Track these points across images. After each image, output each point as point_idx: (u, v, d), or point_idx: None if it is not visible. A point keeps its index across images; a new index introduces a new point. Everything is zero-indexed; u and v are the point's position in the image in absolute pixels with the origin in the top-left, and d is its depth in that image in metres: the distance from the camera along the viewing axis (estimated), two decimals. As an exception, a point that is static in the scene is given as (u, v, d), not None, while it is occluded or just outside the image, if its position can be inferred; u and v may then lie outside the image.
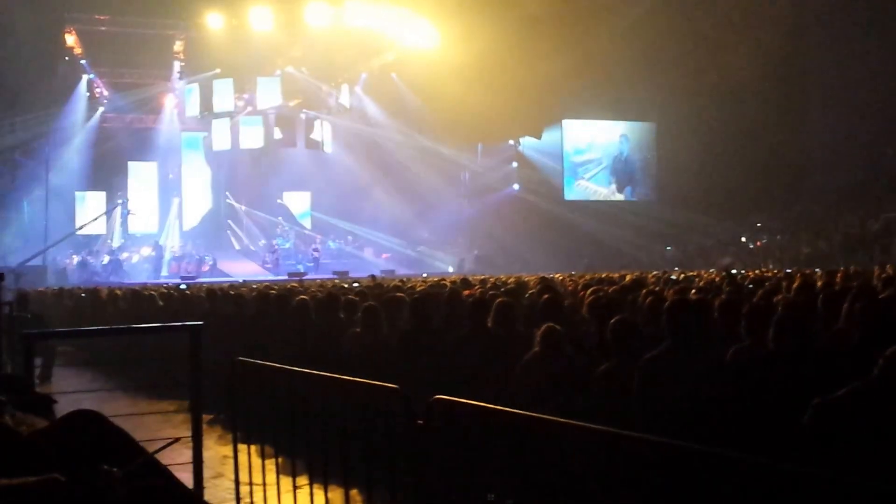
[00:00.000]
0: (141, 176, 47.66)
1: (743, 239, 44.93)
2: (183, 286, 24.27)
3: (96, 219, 42.00)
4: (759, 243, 43.54)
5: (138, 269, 43.06)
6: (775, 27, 41.98)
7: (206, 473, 6.81)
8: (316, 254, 44.89)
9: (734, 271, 19.96)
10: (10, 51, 36.07)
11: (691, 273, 19.82)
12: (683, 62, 43.90)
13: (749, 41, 41.70)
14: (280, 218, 48.63)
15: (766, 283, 12.20)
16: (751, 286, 12.00)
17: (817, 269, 19.07)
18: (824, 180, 46.24)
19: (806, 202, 46.02)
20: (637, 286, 12.00)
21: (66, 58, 41.31)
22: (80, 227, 39.87)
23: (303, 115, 46.73)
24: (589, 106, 49.27)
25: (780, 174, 46.63)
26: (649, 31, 42.53)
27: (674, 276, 17.57)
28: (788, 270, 21.18)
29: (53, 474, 3.29)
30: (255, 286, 21.21)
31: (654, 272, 21.92)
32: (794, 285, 10.61)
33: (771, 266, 33.30)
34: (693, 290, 10.92)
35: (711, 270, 23.85)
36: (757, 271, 21.15)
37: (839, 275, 13.84)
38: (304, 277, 34.27)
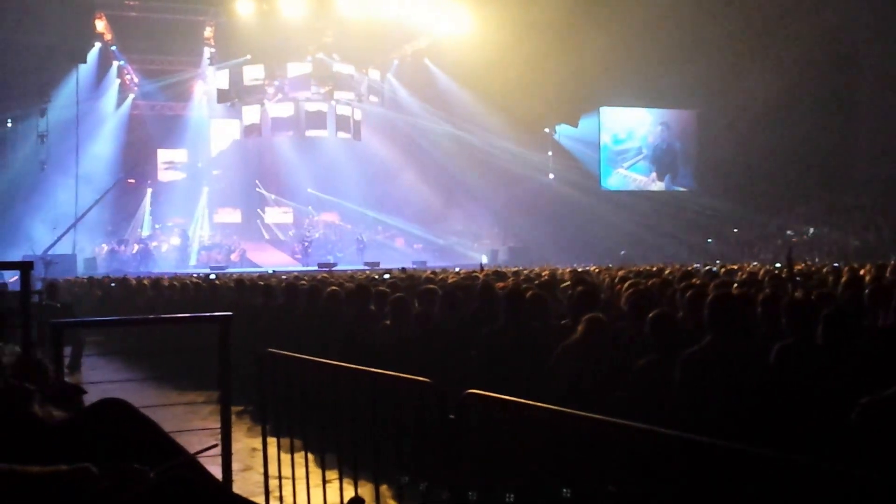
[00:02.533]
0: (170, 163, 47.76)
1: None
2: (212, 276, 24.27)
3: (101, 198, 41.75)
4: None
5: (167, 258, 43.18)
6: (823, 12, 41.39)
7: (235, 466, 6.79)
8: (360, 244, 44.96)
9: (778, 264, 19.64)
10: (41, 37, 36.20)
11: (733, 266, 19.54)
12: (726, 49, 43.42)
13: (796, 27, 41.17)
14: (310, 207, 48.68)
15: (813, 278, 12.03)
16: (798, 279, 11.83)
17: (867, 264, 18.68)
18: (873, 171, 45.33)
19: (854, 193, 45.21)
20: (676, 280, 11.85)
21: (97, 44, 41.36)
22: (90, 208, 39.73)
23: (334, 103, 46.65)
24: (627, 93, 48.67)
25: (828, 164, 45.85)
26: (690, 15, 42.03)
27: (714, 269, 17.35)
28: (836, 264, 20.85)
29: (86, 464, 3.21)
30: (284, 276, 21.21)
31: (695, 265, 21.70)
32: (842, 280, 10.41)
33: (818, 259, 32.90)
34: (735, 285, 10.71)
35: (755, 263, 23.60)
36: (803, 265, 20.78)
37: (889, 268, 13.58)
38: (335, 268, 34.28)
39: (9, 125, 40.10)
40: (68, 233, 37.91)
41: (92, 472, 3.22)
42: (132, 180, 45.42)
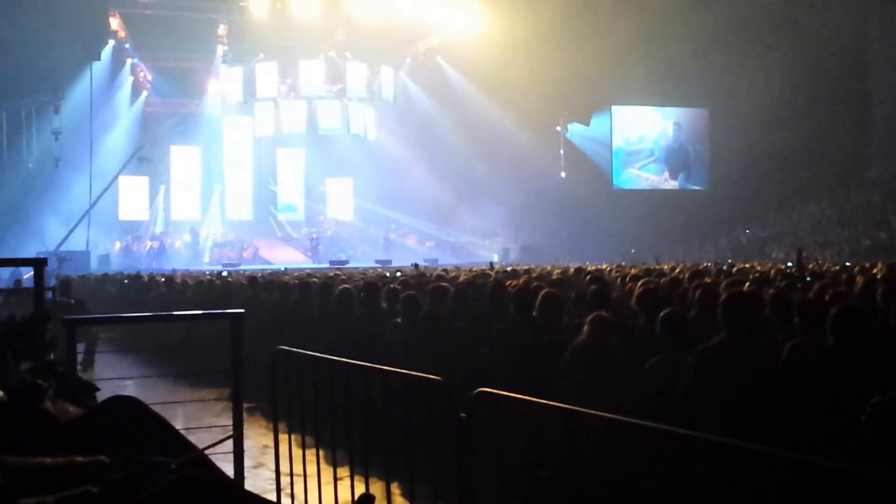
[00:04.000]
0: (184, 160, 47.83)
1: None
2: (225, 273, 24.34)
3: (114, 179, 41.55)
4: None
5: (180, 255, 43.33)
6: (836, 11, 41.29)
7: (247, 463, 6.79)
8: (387, 243, 45.34)
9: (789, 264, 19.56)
10: (55, 34, 36.32)
11: (745, 265, 19.54)
12: (737, 47, 43.34)
13: (808, 25, 41.08)
14: (321, 205, 48.77)
15: (826, 277, 12.01)
16: (808, 278, 11.82)
17: (878, 263, 18.66)
18: (885, 170, 45.33)
19: (866, 192, 45.19)
20: (688, 278, 11.85)
21: (111, 41, 41.49)
22: (98, 198, 39.60)
23: (346, 101, 46.69)
24: (639, 92, 48.53)
25: (839, 163, 45.84)
26: (701, 15, 41.95)
27: (725, 268, 17.34)
28: (847, 263, 20.84)
29: (100, 457, 3.24)
30: (296, 274, 21.25)
31: (706, 264, 21.68)
32: (856, 280, 10.40)
33: (829, 257, 32.83)
34: (747, 283, 10.71)
35: (767, 263, 23.57)
36: (813, 264, 20.76)
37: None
38: (346, 265, 34.34)
39: (23, 122, 40.19)
40: (83, 230, 37.98)
41: (106, 464, 3.25)
42: (146, 176, 45.25)
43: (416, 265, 22.81)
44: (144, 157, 43.07)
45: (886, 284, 8.43)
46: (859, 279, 10.35)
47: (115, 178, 41.72)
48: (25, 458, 3.22)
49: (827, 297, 7.74)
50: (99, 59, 40.34)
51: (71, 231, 37.40)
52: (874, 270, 13.65)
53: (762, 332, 6.28)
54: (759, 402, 5.39)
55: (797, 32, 41.36)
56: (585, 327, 7.09)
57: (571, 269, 18.37)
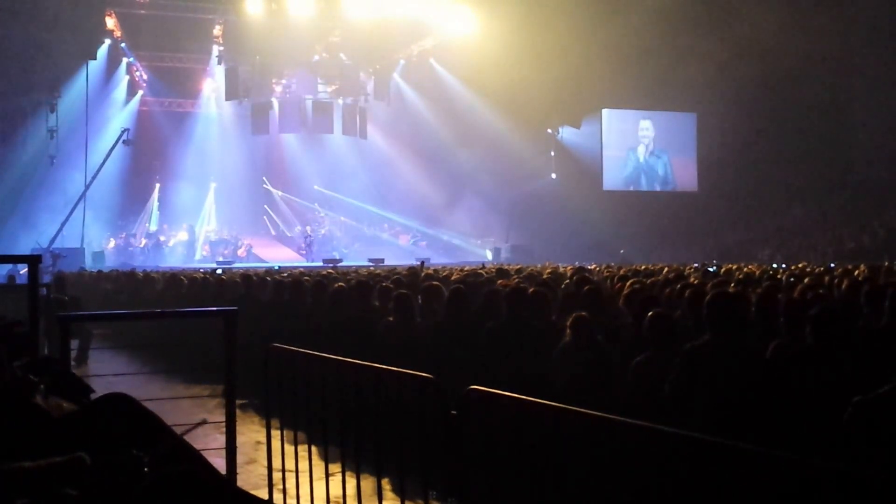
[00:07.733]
0: (178, 159, 47.72)
1: None
2: (219, 271, 24.36)
3: (101, 165, 41.23)
4: None
5: (175, 252, 43.31)
6: (821, 17, 41.36)
7: (240, 459, 6.84)
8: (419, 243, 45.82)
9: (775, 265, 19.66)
10: (52, 34, 36.30)
11: (731, 266, 19.62)
12: (726, 52, 43.39)
13: (794, 32, 41.14)
14: (316, 204, 48.76)
15: (807, 279, 12.08)
16: (791, 279, 11.87)
17: (861, 265, 18.73)
18: (868, 174, 45.54)
19: (850, 196, 45.35)
20: (675, 279, 11.92)
21: (107, 41, 41.41)
22: (89, 185, 39.38)
23: (340, 102, 46.71)
24: (629, 96, 48.58)
25: (824, 167, 46.04)
26: (691, 19, 42.07)
27: (711, 269, 17.41)
28: (832, 265, 20.93)
29: (79, 453, 3.29)
30: (290, 272, 21.28)
31: (693, 265, 21.75)
32: (838, 282, 10.47)
33: (812, 260, 32.92)
34: (732, 284, 10.78)
35: (753, 264, 23.66)
36: (796, 266, 20.82)
37: (882, 270, 13.65)
38: (340, 264, 34.38)
39: (19, 120, 40.12)
40: (77, 227, 37.88)
41: (85, 461, 3.30)
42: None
43: (422, 263, 22.99)
44: (129, 141, 42.76)
45: (869, 286, 8.50)
46: (844, 281, 10.43)
47: (103, 164, 41.30)
48: (4, 462, 3.27)
49: (809, 298, 7.83)
50: (95, 59, 40.20)
51: (64, 223, 37.28)
52: (856, 272, 13.75)
53: (747, 331, 6.34)
54: (743, 401, 5.46)
55: (782, 39, 41.37)
56: (567, 330, 7.16)
57: (561, 269, 18.45)
